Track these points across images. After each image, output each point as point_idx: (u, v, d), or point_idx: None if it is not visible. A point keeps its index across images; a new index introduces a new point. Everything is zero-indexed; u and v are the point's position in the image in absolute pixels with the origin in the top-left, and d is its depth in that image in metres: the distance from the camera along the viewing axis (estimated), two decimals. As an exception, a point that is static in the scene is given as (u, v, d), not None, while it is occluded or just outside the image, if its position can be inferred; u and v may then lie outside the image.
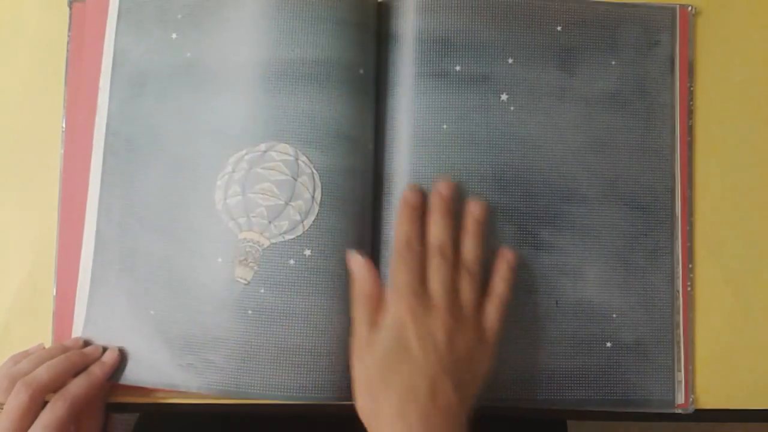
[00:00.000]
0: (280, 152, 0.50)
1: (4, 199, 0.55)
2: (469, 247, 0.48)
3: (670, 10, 0.54)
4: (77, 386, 0.46)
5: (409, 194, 0.49)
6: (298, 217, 0.49)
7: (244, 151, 0.50)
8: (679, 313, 0.52)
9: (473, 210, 0.49)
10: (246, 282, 0.49)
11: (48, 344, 0.53)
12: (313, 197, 0.50)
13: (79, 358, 0.48)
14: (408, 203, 0.49)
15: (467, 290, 0.47)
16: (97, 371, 0.48)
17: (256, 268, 0.49)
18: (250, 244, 0.49)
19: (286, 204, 0.49)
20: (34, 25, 0.56)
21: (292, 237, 0.49)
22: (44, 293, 0.53)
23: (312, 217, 0.49)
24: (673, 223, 0.53)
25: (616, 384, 0.51)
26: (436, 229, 0.48)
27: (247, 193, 0.50)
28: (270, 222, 0.49)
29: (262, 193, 0.50)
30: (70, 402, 0.45)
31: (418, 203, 0.49)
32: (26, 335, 0.54)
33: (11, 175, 0.55)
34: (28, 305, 0.54)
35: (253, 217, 0.50)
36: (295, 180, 0.50)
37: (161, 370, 0.50)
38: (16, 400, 0.44)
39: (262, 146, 0.50)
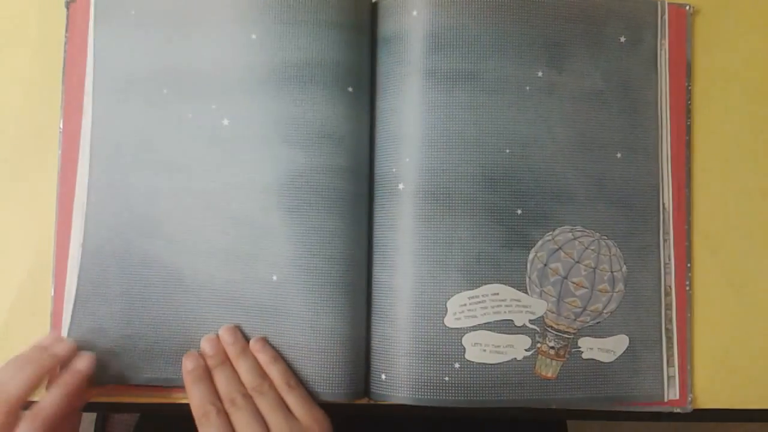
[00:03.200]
0: None
1: (3, 199, 0.55)
2: (245, 372, 0.48)
3: (653, 5, 0.54)
4: (50, 403, 0.44)
5: (184, 361, 0.49)
6: None
7: None
8: (671, 308, 0.53)
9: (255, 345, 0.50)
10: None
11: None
12: None
13: (49, 361, 0.46)
14: (185, 370, 0.49)
15: (273, 415, 0.47)
16: (70, 381, 0.46)
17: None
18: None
19: None
20: (32, 26, 0.56)
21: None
22: (43, 293, 0.54)
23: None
24: (659, 222, 0.53)
25: (604, 382, 0.51)
26: (220, 384, 0.48)
27: None
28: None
29: None
30: (42, 421, 0.43)
31: (195, 365, 0.49)
32: (26, 335, 0.54)
33: (10, 175, 0.55)
34: (28, 305, 0.54)
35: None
36: None
37: (156, 368, 0.51)
38: None
39: None
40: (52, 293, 0.53)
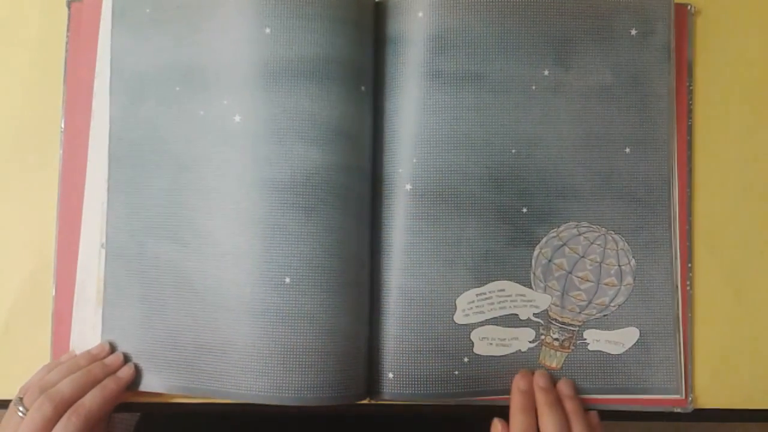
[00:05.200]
0: None
1: (4, 199, 0.55)
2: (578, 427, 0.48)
3: None
4: (91, 401, 0.47)
5: (520, 381, 0.50)
6: None
7: None
8: (678, 307, 0.53)
9: (566, 390, 0.50)
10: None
11: (47, 344, 0.53)
12: None
13: (100, 371, 0.49)
14: (517, 388, 0.50)
15: None
16: (112, 386, 0.49)
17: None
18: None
19: None
20: (33, 25, 0.56)
21: None
22: (44, 293, 0.54)
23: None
24: (669, 215, 0.53)
25: (613, 374, 0.52)
26: (549, 423, 0.48)
27: None
28: None
29: None
30: (84, 417, 0.46)
31: (528, 388, 0.50)
32: (26, 335, 0.54)
33: (11, 175, 0.55)
34: (28, 305, 0.54)
35: None
36: None
37: (174, 375, 0.51)
38: (39, 411, 0.45)
39: None
40: (53, 293, 0.53)
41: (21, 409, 0.46)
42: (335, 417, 0.53)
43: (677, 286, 0.53)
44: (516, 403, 0.49)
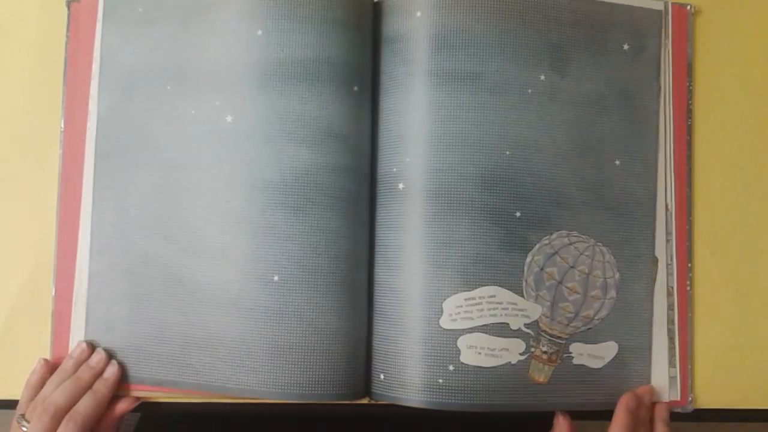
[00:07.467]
0: None
1: (4, 199, 0.55)
2: None
3: (658, 14, 0.54)
4: (85, 408, 0.50)
5: (630, 401, 0.50)
6: None
7: None
8: (673, 309, 0.53)
9: (664, 414, 0.51)
10: None
11: (47, 344, 0.53)
12: None
13: (88, 375, 0.51)
14: (629, 410, 0.50)
15: None
16: (103, 390, 0.51)
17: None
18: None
19: None
20: (33, 25, 0.56)
21: None
22: (44, 293, 0.54)
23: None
24: (653, 231, 0.53)
25: (593, 389, 0.51)
26: None
27: None
28: None
29: None
30: (80, 423, 0.49)
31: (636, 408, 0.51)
32: (26, 335, 0.54)
33: (11, 175, 0.55)
34: (28, 305, 0.54)
35: None
36: None
37: (162, 369, 0.51)
38: (40, 422, 0.48)
39: None
40: (53, 293, 0.53)
41: (25, 423, 0.49)
42: (337, 417, 0.53)
43: (672, 287, 0.53)
44: (624, 423, 0.49)
